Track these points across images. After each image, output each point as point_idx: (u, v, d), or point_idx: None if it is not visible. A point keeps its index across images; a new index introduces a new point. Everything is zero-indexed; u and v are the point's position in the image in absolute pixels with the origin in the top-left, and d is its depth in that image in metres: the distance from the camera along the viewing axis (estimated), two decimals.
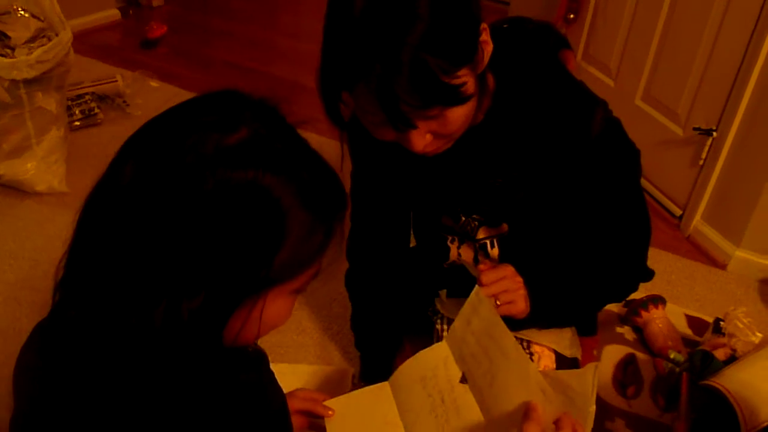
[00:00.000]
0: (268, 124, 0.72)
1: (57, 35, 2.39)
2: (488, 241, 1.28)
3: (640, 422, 1.71)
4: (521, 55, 1.14)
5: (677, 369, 1.67)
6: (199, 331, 0.70)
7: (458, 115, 0.99)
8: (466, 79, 0.96)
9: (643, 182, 2.70)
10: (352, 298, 1.56)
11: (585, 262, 1.26)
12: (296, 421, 1.09)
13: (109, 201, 0.70)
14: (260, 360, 0.91)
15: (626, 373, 1.85)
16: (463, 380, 1.04)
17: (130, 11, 4.12)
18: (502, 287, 1.14)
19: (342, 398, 1.12)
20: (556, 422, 0.88)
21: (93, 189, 0.72)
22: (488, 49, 1.00)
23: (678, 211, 2.58)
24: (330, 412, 1.09)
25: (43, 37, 2.43)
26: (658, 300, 1.97)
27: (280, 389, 0.91)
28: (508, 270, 1.17)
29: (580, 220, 1.20)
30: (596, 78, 2.90)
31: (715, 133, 2.33)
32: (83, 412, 0.69)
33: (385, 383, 1.12)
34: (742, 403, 1.42)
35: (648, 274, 1.37)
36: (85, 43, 3.58)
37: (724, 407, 1.43)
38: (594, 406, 1.30)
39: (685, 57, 2.43)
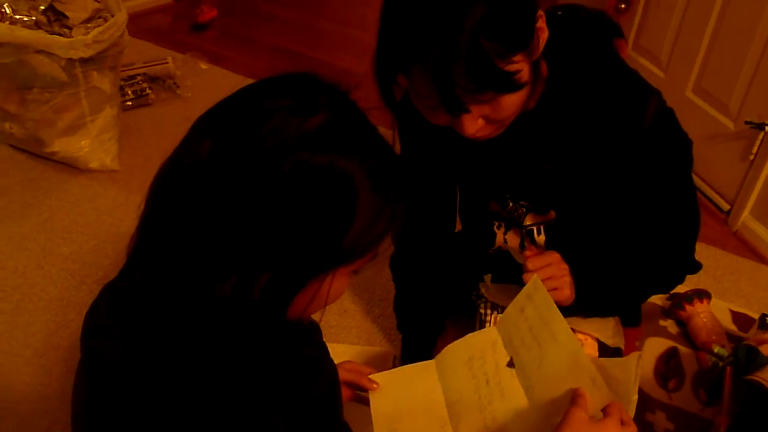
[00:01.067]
0: (342, 110, 0.75)
1: (113, 16, 2.45)
2: (535, 228, 1.28)
3: (680, 415, 1.70)
4: (575, 42, 1.14)
5: (720, 363, 1.65)
6: (266, 306, 0.72)
7: (511, 102, 1.00)
8: (521, 66, 0.96)
9: (692, 175, 2.67)
10: (397, 281, 1.58)
11: (632, 251, 1.25)
12: (342, 392, 1.11)
13: (185, 175, 0.72)
14: (315, 332, 0.94)
15: (668, 366, 1.84)
16: (510, 364, 1.05)
17: None
18: (548, 273, 1.14)
19: (387, 373, 1.14)
20: (605, 409, 0.88)
21: (166, 162, 0.75)
22: (544, 36, 1.01)
23: (726, 206, 2.54)
24: (375, 385, 1.11)
25: (100, 17, 2.49)
26: (703, 294, 1.94)
27: (332, 361, 0.94)
28: (554, 257, 1.18)
29: (628, 209, 1.20)
30: (646, 69, 2.86)
31: (767, 128, 2.29)
32: (148, 374, 0.72)
33: (431, 361, 1.13)
34: None
35: (695, 267, 1.36)
36: (138, 25, 3.64)
37: (767, 402, 1.42)
38: (636, 396, 1.30)
39: (738, 49, 2.39)
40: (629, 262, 1.26)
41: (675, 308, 1.96)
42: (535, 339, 1.02)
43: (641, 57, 2.92)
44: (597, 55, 1.15)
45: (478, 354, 1.09)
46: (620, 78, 1.13)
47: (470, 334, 1.13)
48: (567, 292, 1.17)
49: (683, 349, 1.90)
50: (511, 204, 1.27)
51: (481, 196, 1.31)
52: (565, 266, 1.18)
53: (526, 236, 1.30)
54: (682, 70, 2.69)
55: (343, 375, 1.12)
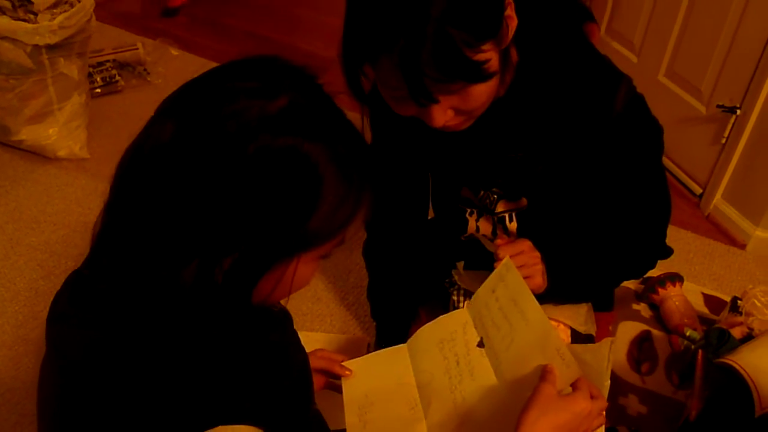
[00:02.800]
0: (306, 93, 0.74)
1: (79, 1, 2.39)
2: (507, 215, 1.27)
3: (653, 398, 1.72)
4: (545, 28, 1.13)
5: (693, 346, 1.67)
6: (229, 291, 0.72)
7: (481, 92, 0.99)
8: (490, 55, 0.95)
9: (664, 160, 2.68)
10: (369, 268, 1.57)
11: (604, 237, 1.25)
12: (315, 380, 1.10)
13: (147, 159, 0.71)
14: (285, 320, 0.93)
15: (641, 349, 1.86)
16: (480, 345, 1.05)
17: None
18: (520, 261, 1.14)
19: (359, 359, 1.14)
20: (573, 384, 0.89)
21: (130, 146, 0.73)
22: (513, 24, 0.99)
23: (698, 190, 2.56)
24: (347, 372, 1.10)
25: (66, 3, 2.43)
26: (675, 278, 1.96)
27: (303, 349, 0.93)
28: (526, 244, 1.17)
29: (600, 196, 1.20)
30: (619, 53, 2.87)
31: (738, 111, 2.30)
32: (111, 364, 0.71)
33: (403, 345, 1.13)
34: (756, 381, 1.42)
35: (666, 252, 1.36)
36: (107, 10, 3.58)
37: (738, 385, 1.43)
38: (608, 381, 1.30)
39: (710, 33, 2.40)
40: (601, 247, 1.26)
41: (648, 292, 1.98)
42: (506, 318, 1.02)
43: (614, 41, 2.92)
44: (567, 41, 1.14)
45: (448, 336, 1.09)
46: (590, 64, 1.12)
47: (441, 317, 1.13)
48: (539, 280, 1.17)
49: (656, 332, 1.92)
50: (482, 191, 1.27)
51: (452, 183, 1.30)
52: (536, 254, 1.17)
53: (498, 223, 1.30)
54: (654, 54, 2.70)
55: (315, 363, 1.11)
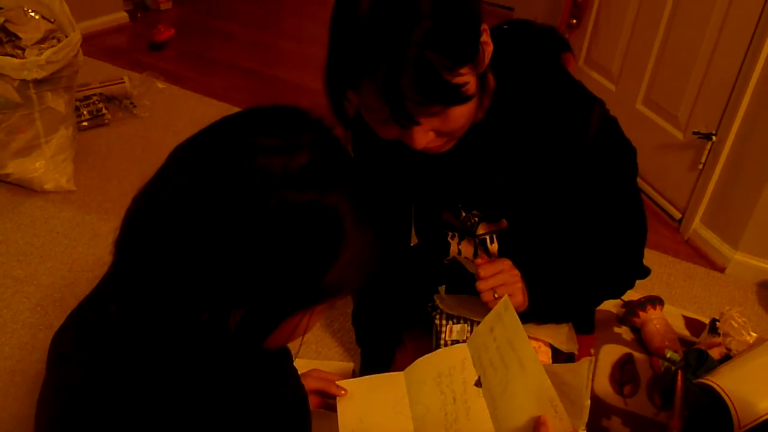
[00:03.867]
0: (325, 147, 0.75)
1: (66, 36, 2.43)
2: (488, 237, 1.30)
3: (636, 420, 1.73)
4: (522, 55, 1.17)
5: (673, 368, 1.69)
6: (240, 342, 0.72)
7: (460, 114, 1.02)
8: (468, 78, 0.99)
9: (644, 185, 2.73)
10: (354, 294, 1.59)
11: (582, 258, 1.28)
12: (310, 400, 1.11)
13: (162, 207, 0.71)
14: (286, 357, 0.95)
15: (623, 371, 1.87)
16: (478, 384, 1.06)
17: (138, 14, 4.16)
18: (500, 281, 1.17)
19: (356, 380, 1.15)
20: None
21: (143, 190, 0.73)
22: (489, 49, 1.03)
23: (678, 215, 2.61)
24: (342, 392, 1.11)
25: (53, 38, 2.47)
26: (656, 301, 1.99)
27: (301, 385, 0.94)
28: (506, 264, 1.20)
29: (577, 217, 1.23)
30: (598, 82, 2.93)
31: (714, 137, 2.36)
32: (117, 409, 0.71)
33: (401, 373, 1.14)
34: (735, 400, 1.44)
35: (644, 272, 1.39)
36: (94, 45, 3.62)
37: (717, 404, 1.45)
38: (588, 401, 1.32)
39: (685, 62, 2.46)
40: (579, 268, 1.29)
41: (629, 315, 2.00)
42: (502, 361, 1.03)
43: (593, 71, 2.99)
44: (543, 67, 1.18)
45: (446, 370, 1.10)
46: (565, 88, 1.16)
47: (441, 350, 1.14)
48: (520, 298, 1.20)
49: (638, 355, 1.94)
50: (463, 214, 1.30)
51: (434, 207, 1.33)
52: (516, 272, 1.20)
53: (480, 245, 1.32)
54: (632, 83, 2.76)
55: (310, 383, 1.12)
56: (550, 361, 1.37)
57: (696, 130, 2.40)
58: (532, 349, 0.99)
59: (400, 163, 1.26)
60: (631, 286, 1.40)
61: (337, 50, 0.98)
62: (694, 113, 2.46)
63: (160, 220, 0.71)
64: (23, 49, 2.41)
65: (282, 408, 0.81)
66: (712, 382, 1.49)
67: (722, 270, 2.40)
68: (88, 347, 0.75)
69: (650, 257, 2.41)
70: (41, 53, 2.34)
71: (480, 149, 1.18)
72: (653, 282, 2.27)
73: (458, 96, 0.98)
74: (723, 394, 1.45)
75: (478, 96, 1.05)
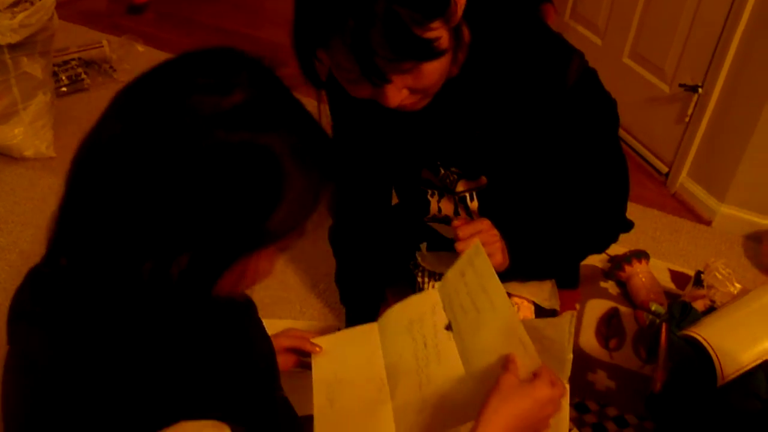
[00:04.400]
0: (262, 87, 0.72)
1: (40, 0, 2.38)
2: (467, 194, 1.29)
3: (621, 373, 1.75)
4: (497, 7, 1.15)
5: (657, 321, 1.70)
6: (187, 287, 0.71)
7: (433, 69, 1.00)
8: (439, 32, 0.96)
9: (630, 140, 2.72)
10: (336, 253, 1.58)
11: (564, 213, 1.27)
12: (285, 359, 1.11)
13: (100, 156, 0.69)
14: (249, 309, 0.93)
15: (609, 326, 1.88)
16: (449, 328, 1.05)
17: None
18: (481, 239, 1.15)
19: (330, 336, 1.14)
20: (535, 373, 0.89)
21: (82, 143, 0.72)
22: (461, 2, 1.00)
23: (664, 169, 2.59)
24: (317, 349, 1.11)
25: (26, 1, 2.41)
26: (641, 255, 1.99)
27: (267, 337, 0.93)
28: (484, 224, 1.19)
29: (558, 172, 1.21)
30: (584, 36, 2.89)
31: (700, 89, 2.34)
32: (72, 360, 0.70)
33: (374, 324, 1.13)
34: (718, 351, 1.45)
35: (627, 225, 1.38)
36: (72, 9, 3.55)
37: (701, 356, 1.46)
38: (571, 355, 1.32)
39: (671, 14, 2.43)
40: (561, 224, 1.27)
41: (615, 270, 2.01)
42: (473, 304, 1.02)
43: (579, 25, 2.95)
44: (519, 20, 1.15)
45: (417, 317, 1.10)
46: (542, 41, 1.14)
47: (411, 297, 1.13)
48: (499, 258, 1.18)
49: (624, 309, 1.95)
50: (442, 171, 1.28)
51: (412, 164, 1.31)
52: (495, 232, 1.19)
53: (460, 203, 1.31)
54: (618, 36, 2.73)
55: (285, 342, 1.11)
56: (533, 316, 1.37)
57: (682, 83, 2.38)
58: (503, 290, 0.98)
59: (376, 121, 1.24)
60: (614, 239, 1.39)
61: (304, 10, 0.95)
62: (681, 66, 2.43)
63: (96, 166, 0.69)
64: None
65: (237, 348, 0.80)
66: (695, 333, 1.49)
67: (709, 223, 2.39)
68: (43, 301, 0.75)
69: (636, 211, 2.40)
70: (14, 17, 2.28)
71: (456, 105, 1.16)
72: (639, 236, 2.27)
73: (430, 51, 0.95)
74: (706, 345, 1.46)
75: (452, 51, 1.02)
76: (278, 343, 1.08)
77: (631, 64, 2.68)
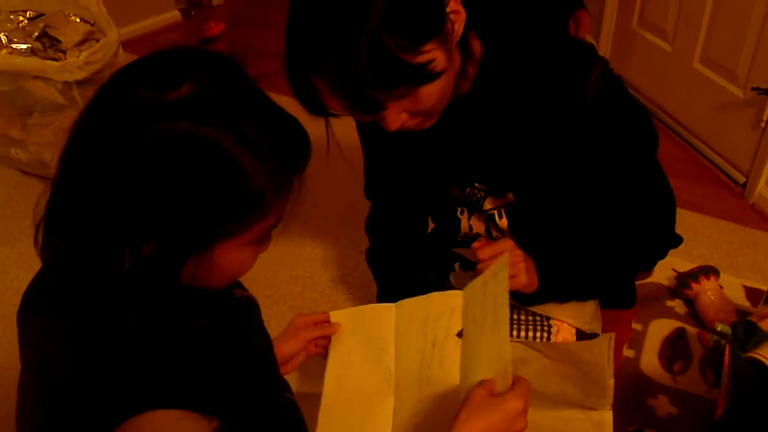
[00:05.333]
0: (218, 81, 0.73)
1: (104, 36, 2.48)
2: (496, 212, 1.23)
3: (685, 398, 1.63)
4: (510, 18, 1.10)
5: (723, 342, 1.58)
6: (156, 275, 0.73)
7: (431, 92, 0.96)
8: (434, 54, 0.92)
9: (705, 149, 2.58)
10: (375, 275, 1.56)
11: (598, 230, 1.20)
12: (309, 349, 1.10)
13: (70, 151, 0.74)
14: (249, 309, 0.93)
15: (674, 348, 1.77)
16: (460, 335, 1.03)
17: (192, 12, 4.21)
18: None
19: (348, 310, 1.13)
20: (514, 382, 0.86)
21: (68, 137, 0.76)
22: (460, 18, 0.96)
23: (741, 179, 2.44)
24: (336, 328, 1.09)
25: (92, 39, 2.52)
26: (709, 271, 1.87)
27: (267, 339, 0.92)
28: (507, 244, 1.13)
29: (586, 186, 1.15)
30: (653, 44, 2.77)
31: None
32: (61, 348, 0.74)
33: (392, 305, 1.12)
34: None
35: (675, 240, 1.29)
36: (147, 45, 3.67)
37: (766, 379, 1.34)
38: (612, 380, 1.24)
39: (741, 13, 2.30)
40: (596, 241, 1.20)
41: (681, 287, 1.89)
42: (484, 319, 1.00)
43: (647, 32, 2.83)
44: (534, 30, 1.10)
45: (435, 315, 1.07)
46: (560, 50, 1.08)
47: (435, 294, 1.10)
48: (523, 279, 1.13)
49: (691, 329, 1.82)
50: (468, 188, 1.23)
51: (439, 182, 1.27)
52: (519, 252, 1.13)
53: (489, 220, 1.26)
54: (687, 41, 2.60)
55: (308, 334, 1.09)
56: (574, 339, 1.29)
57: (755, 86, 2.23)
58: (507, 312, 0.94)
59: (399, 140, 1.21)
60: (661, 256, 1.30)
61: (291, 42, 0.93)
62: (754, 68, 2.29)
63: (69, 159, 0.73)
64: (64, 52, 2.47)
65: (231, 358, 0.79)
66: (760, 355, 1.37)
67: None
68: (43, 292, 0.79)
69: (711, 225, 2.26)
70: (80, 54, 2.39)
71: (472, 121, 1.11)
72: (713, 251, 2.13)
73: (423, 75, 0.92)
74: None
75: (452, 70, 0.99)
76: (301, 338, 1.08)
77: (702, 70, 2.54)
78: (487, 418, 0.82)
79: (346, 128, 1.19)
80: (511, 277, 1.10)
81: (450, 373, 0.98)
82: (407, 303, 1.10)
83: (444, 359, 1.00)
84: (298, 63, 0.94)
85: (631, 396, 1.53)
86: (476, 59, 1.06)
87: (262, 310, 0.98)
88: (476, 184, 1.21)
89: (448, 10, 0.94)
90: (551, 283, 1.16)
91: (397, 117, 0.98)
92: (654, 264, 1.35)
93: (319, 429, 1.00)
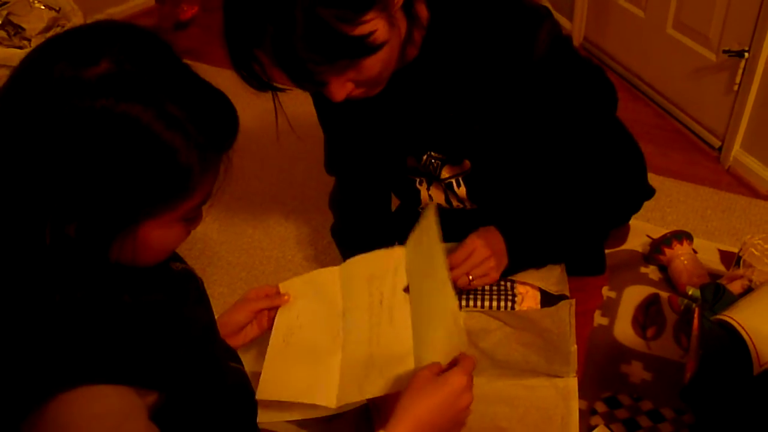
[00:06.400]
0: (136, 56, 0.71)
1: (69, 21, 2.44)
2: (453, 181, 1.22)
3: (659, 364, 1.61)
4: None
5: (693, 306, 1.56)
6: (81, 254, 0.72)
7: (374, 62, 0.94)
8: (374, 25, 0.91)
9: (681, 115, 2.56)
10: (341, 250, 1.56)
11: (561, 192, 1.19)
12: (261, 320, 1.11)
13: None
14: (187, 281, 0.92)
15: (648, 313, 1.75)
16: (407, 290, 1.03)
17: None
18: (472, 264, 1.13)
19: (296, 279, 1.14)
20: (455, 360, 0.87)
21: None
22: None
23: (717, 143, 2.43)
24: (286, 298, 1.11)
25: (58, 26, 2.49)
26: (682, 235, 1.84)
27: (203, 310, 0.91)
28: (475, 243, 1.14)
29: (542, 149, 1.13)
30: (626, 10, 2.74)
31: (747, 54, 2.17)
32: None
33: (336, 268, 1.13)
34: (754, 336, 1.32)
35: (647, 192, 1.29)
36: None
37: (735, 341, 1.33)
38: (575, 346, 1.24)
39: None
40: (561, 203, 1.19)
41: (654, 253, 1.87)
42: (425, 272, 1.00)
43: None
44: None
45: (379, 272, 1.08)
46: (507, 12, 1.06)
47: (378, 251, 1.12)
48: (495, 275, 1.16)
49: (665, 295, 1.81)
50: (425, 157, 1.22)
51: (395, 152, 1.26)
52: (486, 251, 1.14)
53: (447, 189, 1.24)
54: (660, 6, 2.58)
55: (256, 305, 1.10)
56: (538, 305, 1.28)
57: (727, 48, 2.22)
58: (445, 261, 0.95)
59: (351, 111, 1.19)
60: (636, 209, 1.31)
61: (230, 16, 0.92)
62: (725, 31, 2.27)
63: None
64: (29, 40, 2.44)
65: (165, 331, 0.78)
66: (728, 317, 1.36)
67: (766, 198, 2.22)
68: None
69: (686, 190, 2.25)
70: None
71: (422, 86, 1.09)
72: (688, 216, 2.13)
73: (363, 48, 0.90)
74: (740, 330, 1.32)
75: (405, 34, 0.98)
76: (250, 308, 1.09)
77: (675, 35, 2.53)
78: (432, 395, 0.81)
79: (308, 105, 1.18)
80: (483, 275, 1.13)
81: (401, 330, 0.99)
82: (352, 262, 1.11)
83: (393, 315, 1.01)
84: (236, 36, 0.92)
85: (605, 364, 1.52)
86: (423, 24, 1.04)
87: (237, 292, 0.97)
88: (432, 153, 1.20)
89: None
90: (521, 257, 1.17)
91: (341, 88, 0.96)
92: (628, 218, 1.34)
93: (261, 383, 1.00)
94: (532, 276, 1.29)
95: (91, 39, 0.72)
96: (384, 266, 1.08)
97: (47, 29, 2.45)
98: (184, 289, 0.89)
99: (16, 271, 0.72)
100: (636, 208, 1.29)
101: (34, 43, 2.40)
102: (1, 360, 0.70)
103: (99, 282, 0.74)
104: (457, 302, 0.93)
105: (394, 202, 1.46)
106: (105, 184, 0.69)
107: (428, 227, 1.03)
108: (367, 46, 0.90)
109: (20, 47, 2.38)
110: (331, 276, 1.12)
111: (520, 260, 1.18)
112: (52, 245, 0.70)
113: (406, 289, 1.03)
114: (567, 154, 1.14)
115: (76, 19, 2.42)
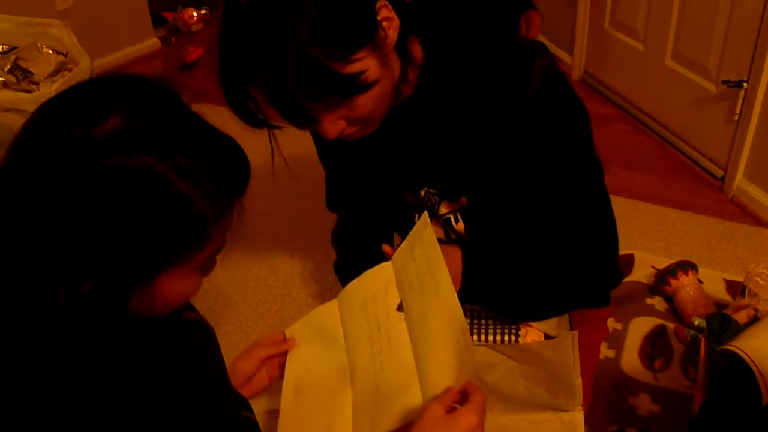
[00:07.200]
0: (144, 109, 0.71)
1: (77, 65, 2.48)
2: (452, 216, 1.23)
3: (667, 396, 1.60)
4: (451, 21, 1.10)
5: (700, 336, 1.56)
6: (99, 310, 0.71)
7: (365, 101, 0.95)
8: (366, 64, 0.92)
9: (682, 145, 2.57)
10: (343, 285, 1.55)
11: (533, 243, 1.14)
12: (271, 370, 1.09)
13: (3, 191, 0.71)
14: (198, 330, 0.91)
15: (655, 345, 1.74)
16: (400, 308, 1.00)
17: (172, 39, 4.23)
18: None
19: (300, 322, 1.12)
20: (465, 395, 0.84)
21: None
22: (393, 25, 0.96)
23: (720, 172, 2.43)
24: (292, 343, 1.08)
25: (65, 69, 2.53)
26: (687, 266, 1.84)
27: (215, 360, 0.91)
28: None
29: (530, 189, 1.12)
30: (625, 43, 2.78)
31: (746, 84, 2.19)
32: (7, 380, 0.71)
33: (335, 301, 1.11)
34: (761, 367, 1.31)
35: (615, 277, 1.25)
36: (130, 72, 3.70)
37: (742, 371, 1.32)
38: (580, 379, 1.23)
39: (708, 8, 2.31)
40: (529, 256, 1.15)
41: (660, 284, 1.86)
42: (422, 285, 0.97)
43: (619, 32, 2.84)
44: (476, 31, 1.10)
45: (371, 295, 1.05)
46: (501, 49, 1.07)
47: (367, 272, 1.09)
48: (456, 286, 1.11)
49: (671, 326, 1.80)
50: (423, 193, 1.22)
51: (393, 189, 1.27)
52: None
53: (446, 225, 1.25)
54: (659, 39, 2.61)
55: (262, 352, 1.08)
56: (542, 340, 1.28)
57: (726, 79, 2.23)
58: (447, 271, 0.92)
59: (350, 149, 1.20)
60: (600, 293, 1.31)
61: (224, 55, 0.93)
62: (724, 61, 2.30)
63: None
64: (37, 84, 2.48)
65: (180, 382, 0.78)
66: (734, 347, 1.35)
67: None
68: None
69: (690, 221, 2.25)
70: (53, 85, 2.39)
71: (416, 126, 1.11)
72: (692, 246, 2.12)
73: (354, 86, 0.91)
74: (747, 360, 1.32)
75: (399, 73, 0.99)
76: (256, 356, 1.07)
77: (674, 66, 2.55)
78: None
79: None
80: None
81: (401, 352, 0.96)
82: (346, 291, 1.09)
83: (392, 340, 0.98)
84: (231, 74, 0.94)
85: (612, 396, 1.51)
86: (417, 64, 1.06)
87: (244, 330, 0.97)
88: (430, 189, 1.21)
89: (380, 17, 0.94)
90: (475, 286, 1.12)
91: (333, 125, 0.97)
92: (591, 301, 1.31)
93: None
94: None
95: (99, 94, 0.72)
96: (375, 287, 1.06)
97: (55, 73, 2.49)
98: (197, 339, 0.88)
99: (33, 334, 0.71)
100: (600, 292, 1.26)
101: (42, 87, 2.44)
102: (18, 425, 0.69)
103: (117, 338, 0.73)
104: (462, 311, 0.88)
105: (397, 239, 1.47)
106: (124, 239, 0.68)
107: (421, 235, 1.00)
108: (358, 84, 0.91)
109: (28, 91, 2.42)
110: (330, 311, 1.10)
111: (473, 288, 1.13)
112: (68, 305, 0.69)
113: (400, 307, 1.00)
114: (545, 194, 1.12)
115: (84, 63, 2.46)
